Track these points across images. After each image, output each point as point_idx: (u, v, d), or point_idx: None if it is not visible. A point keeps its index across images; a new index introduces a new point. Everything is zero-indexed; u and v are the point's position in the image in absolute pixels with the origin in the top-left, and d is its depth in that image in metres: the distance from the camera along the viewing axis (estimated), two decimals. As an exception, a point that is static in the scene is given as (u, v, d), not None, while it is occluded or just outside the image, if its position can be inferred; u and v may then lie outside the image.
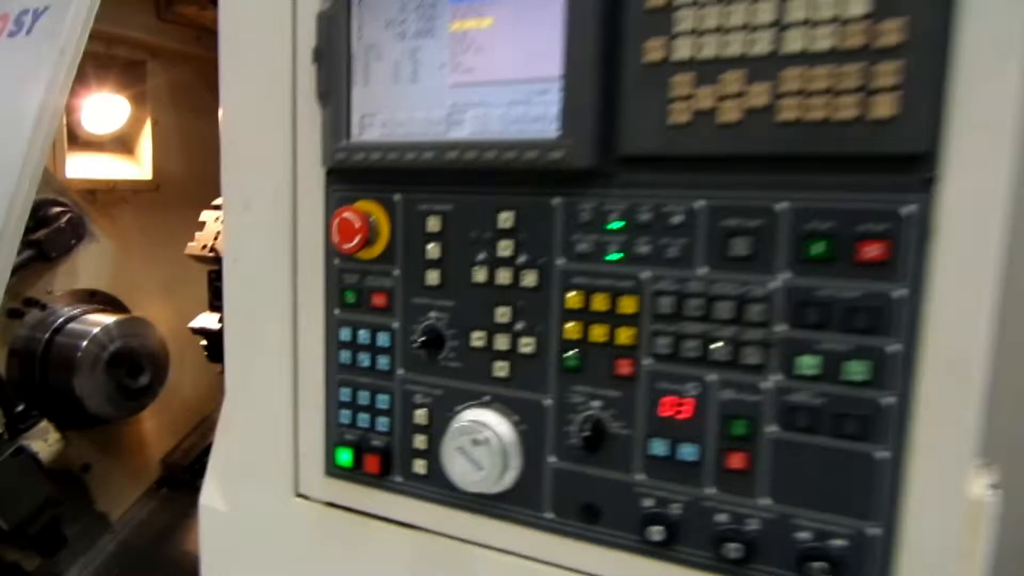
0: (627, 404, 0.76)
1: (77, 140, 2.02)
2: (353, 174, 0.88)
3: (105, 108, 2.03)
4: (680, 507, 0.75)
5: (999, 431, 0.80)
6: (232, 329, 1.04)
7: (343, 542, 0.97)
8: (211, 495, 1.09)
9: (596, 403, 0.78)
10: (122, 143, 2.15)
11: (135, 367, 1.84)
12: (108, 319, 1.82)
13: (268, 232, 0.96)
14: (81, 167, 2.01)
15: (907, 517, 0.66)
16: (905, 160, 0.62)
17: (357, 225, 0.86)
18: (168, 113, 2.15)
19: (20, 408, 1.70)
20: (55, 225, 1.75)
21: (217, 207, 1.77)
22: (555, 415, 0.80)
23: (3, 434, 1.70)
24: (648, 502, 0.76)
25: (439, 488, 0.87)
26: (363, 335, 0.90)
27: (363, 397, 0.91)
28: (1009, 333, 0.78)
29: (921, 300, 0.64)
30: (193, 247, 1.76)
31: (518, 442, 0.82)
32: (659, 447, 0.75)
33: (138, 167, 2.16)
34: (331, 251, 0.91)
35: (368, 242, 0.87)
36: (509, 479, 0.82)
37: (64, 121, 1.91)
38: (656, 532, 0.75)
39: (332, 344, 0.93)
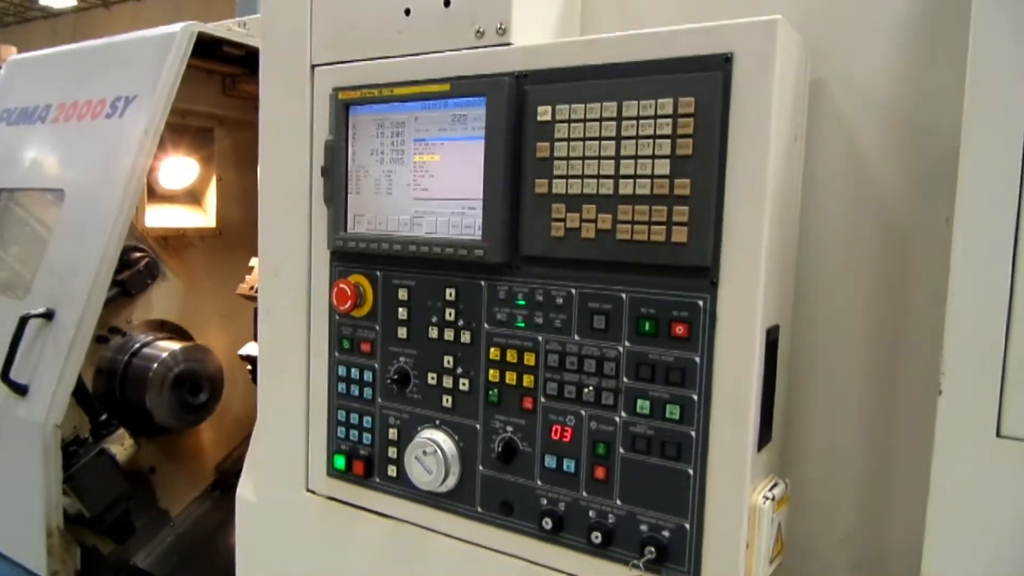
0: (530, 429, 1.07)
1: (155, 194, 2.42)
2: (348, 256, 1.21)
3: (178, 168, 2.43)
4: (564, 505, 1.05)
5: (804, 448, 1.07)
6: (264, 364, 1.38)
7: (340, 527, 1.29)
8: (245, 489, 1.43)
9: (509, 428, 1.08)
10: (192, 196, 2.55)
11: (196, 386, 2.21)
12: (175, 346, 2.19)
13: (290, 293, 1.30)
14: (157, 217, 2.41)
15: (709, 516, 0.95)
16: (697, 269, 0.92)
17: (349, 292, 1.19)
18: (230, 171, 2.55)
19: (103, 417, 2.08)
20: (135, 268, 2.14)
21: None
22: (483, 436, 1.11)
23: (88, 438, 2.08)
24: (544, 501, 1.06)
25: (405, 487, 1.19)
26: (355, 372, 1.23)
27: (354, 418, 1.24)
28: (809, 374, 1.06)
29: (711, 364, 0.93)
30: (243, 288, 2.12)
31: (457, 455, 1.13)
32: (550, 461, 1.05)
33: (204, 216, 2.55)
34: (333, 310, 1.24)
35: (357, 305, 1.20)
36: (451, 482, 1.13)
37: (145, 182, 2.31)
38: (547, 523, 1.05)
39: (333, 378, 1.26)
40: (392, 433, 1.20)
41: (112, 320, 2.17)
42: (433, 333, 1.14)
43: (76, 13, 16.88)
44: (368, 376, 1.22)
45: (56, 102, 2.20)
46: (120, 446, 2.11)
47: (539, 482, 1.06)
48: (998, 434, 0.79)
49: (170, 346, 2.19)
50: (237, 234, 2.56)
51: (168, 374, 2.16)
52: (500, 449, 1.08)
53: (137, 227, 2.28)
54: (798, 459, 1.09)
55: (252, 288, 2.11)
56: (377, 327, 1.20)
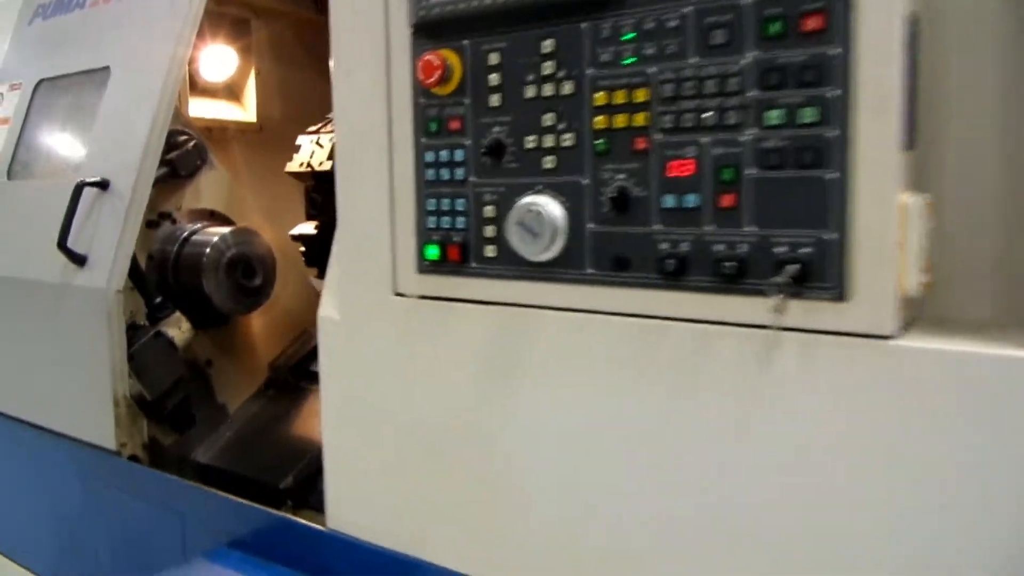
0: (643, 172, 1.01)
1: (196, 87, 2.37)
2: (431, 28, 1.15)
3: (218, 58, 2.38)
4: (688, 245, 0.99)
5: (945, 167, 0.99)
6: (342, 173, 1.32)
7: (435, 326, 1.23)
8: (327, 308, 1.37)
9: (621, 176, 1.03)
10: (231, 92, 2.50)
11: (249, 269, 2.16)
12: (225, 230, 2.15)
13: (367, 88, 1.25)
14: (200, 109, 2.37)
15: (855, 222, 0.88)
16: (834, -50, 0.85)
17: (436, 63, 1.13)
18: (269, 65, 2.49)
19: (158, 300, 2.05)
20: (184, 148, 2.09)
21: (310, 132, 2.08)
22: (591, 191, 1.05)
23: (145, 323, 2.05)
24: (664, 246, 1.00)
25: (505, 265, 1.13)
26: (444, 155, 1.17)
27: (445, 204, 1.18)
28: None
29: (851, 56, 0.86)
30: (291, 166, 2.07)
31: (564, 216, 1.07)
32: (669, 200, 0.99)
33: (244, 112, 2.50)
34: (417, 92, 1.18)
35: (444, 79, 1.14)
36: (558, 245, 1.07)
37: (186, 70, 2.26)
38: (670, 264, 0.99)
39: (419, 166, 1.20)
40: (489, 211, 1.14)
41: (163, 204, 2.12)
42: (530, 92, 1.08)
43: None
44: (459, 155, 1.16)
45: (92, -13, 2.15)
46: (177, 329, 2.08)
47: (658, 226, 1.01)
48: None
49: (220, 230, 2.15)
50: (277, 130, 2.51)
51: (221, 258, 2.11)
52: (612, 198, 1.02)
53: (183, 113, 2.23)
54: (940, 179, 1.00)
55: (302, 165, 2.06)
56: (466, 100, 1.14)
